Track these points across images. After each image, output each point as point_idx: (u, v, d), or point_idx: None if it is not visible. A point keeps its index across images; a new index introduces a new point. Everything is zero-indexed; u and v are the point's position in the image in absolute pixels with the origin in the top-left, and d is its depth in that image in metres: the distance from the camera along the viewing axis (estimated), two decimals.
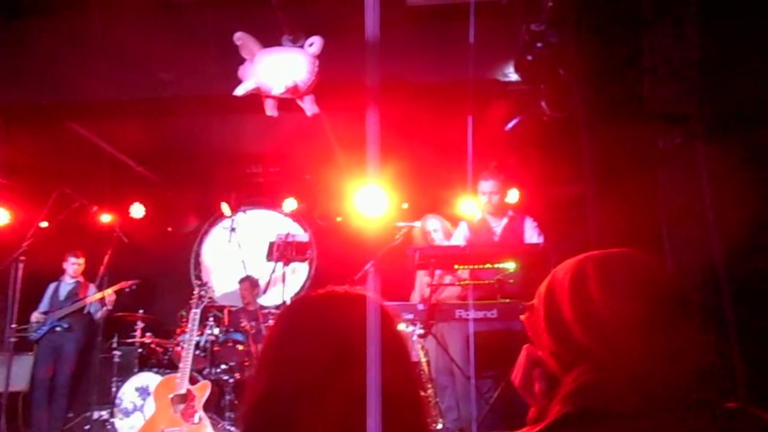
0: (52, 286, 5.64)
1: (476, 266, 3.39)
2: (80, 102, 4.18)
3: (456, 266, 3.46)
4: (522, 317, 1.08)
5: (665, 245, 2.73)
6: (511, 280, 3.34)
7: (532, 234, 3.90)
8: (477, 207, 4.27)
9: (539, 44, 3.31)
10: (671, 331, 0.87)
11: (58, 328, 5.36)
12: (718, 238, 2.40)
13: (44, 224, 4.75)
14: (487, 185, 4.02)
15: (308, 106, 3.52)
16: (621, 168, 2.88)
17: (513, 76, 3.78)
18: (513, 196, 5.70)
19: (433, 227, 4.41)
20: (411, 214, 5.45)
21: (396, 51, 3.78)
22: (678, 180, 2.76)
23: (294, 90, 3.41)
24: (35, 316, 5.37)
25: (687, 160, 2.67)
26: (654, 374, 0.84)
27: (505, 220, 4.03)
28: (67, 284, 5.65)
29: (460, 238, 4.10)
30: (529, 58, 3.38)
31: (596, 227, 2.93)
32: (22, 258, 4.01)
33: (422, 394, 0.92)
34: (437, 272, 3.75)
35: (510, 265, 3.31)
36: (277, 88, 3.39)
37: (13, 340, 4.23)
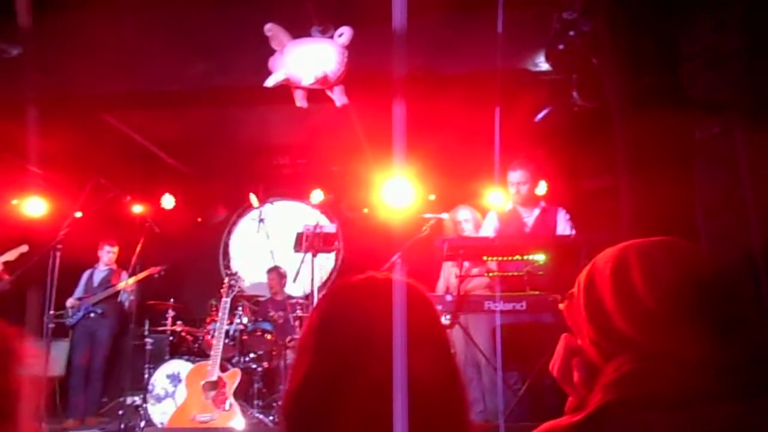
0: (86, 273, 5.79)
1: (505, 258, 3.36)
2: (113, 94, 4.26)
3: (485, 257, 3.44)
4: (561, 306, 1.07)
5: (701, 238, 2.68)
6: (540, 272, 3.31)
7: (564, 226, 3.85)
8: (506, 198, 4.23)
9: (571, 33, 3.25)
10: (716, 320, 0.86)
11: (92, 314, 5.51)
12: (758, 231, 2.34)
13: (79, 214, 4.87)
14: (515, 175, 3.97)
15: (337, 97, 3.52)
16: (655, 159, 2.82)
17: (544, 65, 3.72)
18: (542, 187, 5.64)
19: (464, 217, 4.40)
20: (438, 205, 5.44)
21: (424, 41, 3.76)
22: (715, 171, 2.69)
23: (323, 81, 3.42)
24: (70, 302, 5.52)
25: (725, 151, 2.60)
26: (699, 363, 0.83)
27: (537, 211, 3.98)
28: (100, 271, 5.80)
29: (489, 228, 4.07)
30: (561, 47, 3.33)
31: (629, 220, 2.88)
32: (59, 246, 4.12)
33: (461, 384, 0.91)
34: (465, 263, 3.74)
35: (540, 257, 3.28)
36: (307, 79, 3.40)
37: (51, 326, 4.35)
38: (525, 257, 3.31)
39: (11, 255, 4.50)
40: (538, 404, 3.29)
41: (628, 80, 3.02)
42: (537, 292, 3.25)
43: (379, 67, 3.66)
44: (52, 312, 4.37)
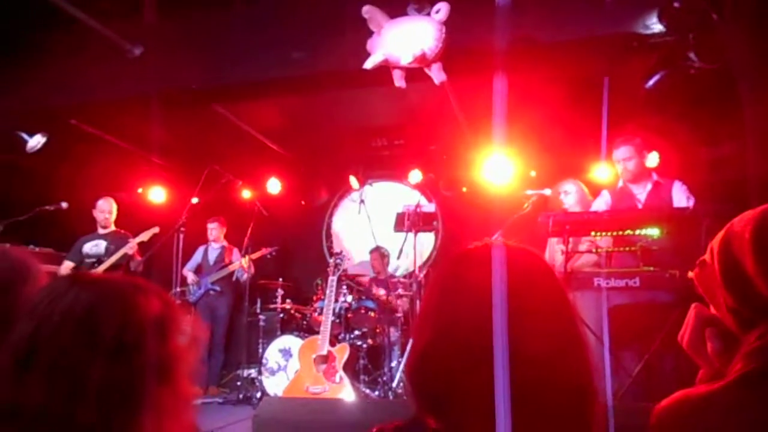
0: (201, 249, 6.25)
1: (616, 233, 3.21)
2: (221, 85, 4.51)
3: (593, 233, 3.30)
4: (690, 274, 1.02)
5: None
6: (655, 247, 3.13)
7: (681, 198, 3.59)
8: (614, 174, 4.03)
9: None
10: None
11: (211, 292, 5.94)
12: None
13: (195, 200, 5.25)
14: (619, 153, 3.76)
15: (435, 74, 3.51)
16: None
17: (656, 27, 3.47)
18: (653, 160, 5.29)
19: (568, 189, 4.25)
20: (539, 182, 5.29)
21: (525, 9, 3.63)
22: None
23: (421, 59, 3.41)
24: (191, 278, 5.98)
25: None
26: None
27: (649, 186, 3.74)
28: (214, 249, 6.24)
29: (601, 206, 3.89)
30: (676, 5, 3.09)
31: (758, 188, 2.65)
32: (182, 229, 4.47)
33: (587, 351, 0.89)
34: (571, 240, 3.61)
35: (654, 231, 3.09)
36: (405, 58, 3.41)
37: (177, 302, 4.75)
38: (637, 232, 3.14)
39: (145, 236, 4.94)
40: (655, 385, 3.14)
41: (754, 35, 2.75)
42: (652, 268, 3.07)
43: (477, 41, 3.59)
44: (178, 289, 4.76)
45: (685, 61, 3.45)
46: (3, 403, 0.74)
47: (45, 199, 4.64)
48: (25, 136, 4.60)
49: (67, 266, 5.07)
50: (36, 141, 4.61)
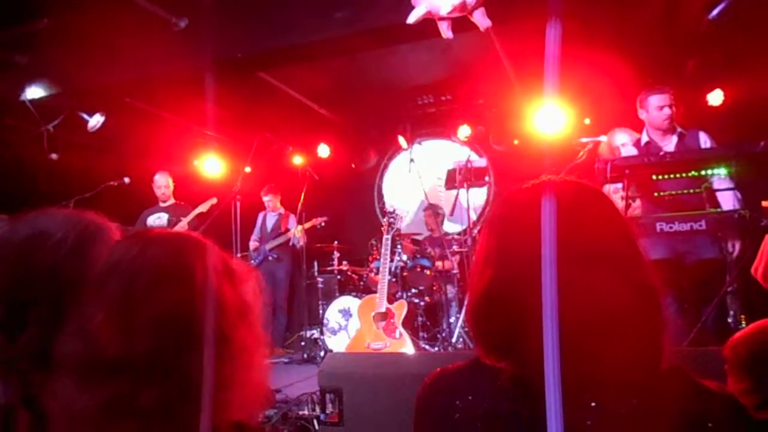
0: (260, 216, 6.47)
1: (679, 175, 3.06)
2: (266, 51, 4.52)
3: (654, 176, 3.16)
4: (765, 203, 0.96)
5: None
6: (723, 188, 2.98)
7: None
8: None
9: None
10: None
11: (270, 258, 6.13)
12: None
13: (248, 169, 5.36)
14: (661, 98, 3.55)
15: (480, 21, 3.37)
16: None
17: None
18: (717, 97, 5.01)
19: (622, 141, 4.06)
20: (594, 129, 5.10)
21: None
22: None
23: (462, 6, 3.27)
24: (252, 245, 6.19)
25: None
26: None
27: (674, 139, 3.56)
28: (271, 216, 6.43)
29: None
30: None
31: None
32: (238, 198, 4.59)
33: (656, 296, 0.85)
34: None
35: (721, 171, 2.94)
36: (445, 8, 3.29)
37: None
38: (703, 172, 2.98)
39: (204, 207, 5.12)
40: (724, 328, 3.04)
41: None
42: (719, 210, 2.93)
43: None
44: (239, 255, 4.92)
45: None
46: (109, 357, 0.75)
47: (109, 176, 4.83)
48: (85, 116, 4.79)
49: None
50: (96, 120, 4.79)
